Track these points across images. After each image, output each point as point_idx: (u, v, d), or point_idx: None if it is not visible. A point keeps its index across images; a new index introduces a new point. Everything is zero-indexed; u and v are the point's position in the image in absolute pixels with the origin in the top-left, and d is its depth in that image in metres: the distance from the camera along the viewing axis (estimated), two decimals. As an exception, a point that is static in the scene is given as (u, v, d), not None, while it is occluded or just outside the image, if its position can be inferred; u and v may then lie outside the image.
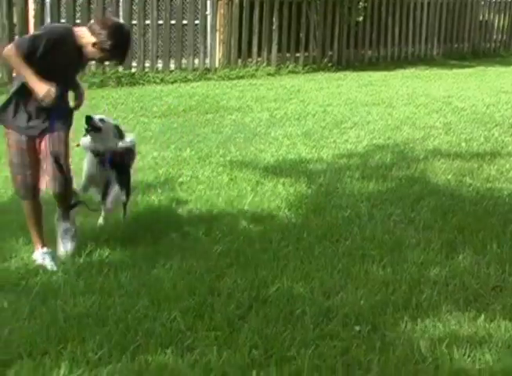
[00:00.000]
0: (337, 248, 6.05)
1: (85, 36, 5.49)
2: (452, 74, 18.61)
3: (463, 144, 10.03)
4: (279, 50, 18.50)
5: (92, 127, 6.12)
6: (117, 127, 6.33)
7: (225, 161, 8.94)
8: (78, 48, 5.52)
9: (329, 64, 19.05)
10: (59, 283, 5.24)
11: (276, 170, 8.50)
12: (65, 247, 5.78)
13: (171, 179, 8.14)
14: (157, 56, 16.81)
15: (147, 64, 16.61)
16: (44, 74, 5.38)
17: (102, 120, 6.22)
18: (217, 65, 17.51)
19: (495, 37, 23.82)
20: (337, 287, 5.24)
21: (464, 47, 22.68)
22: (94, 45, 5.45)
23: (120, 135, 6.32)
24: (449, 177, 8.29)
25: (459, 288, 5.26)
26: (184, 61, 17.16)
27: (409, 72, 19.02)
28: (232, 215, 6.91)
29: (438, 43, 21.89)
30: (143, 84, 15.58)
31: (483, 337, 4.49)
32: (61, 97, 5.61)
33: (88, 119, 6.13)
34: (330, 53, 19.47)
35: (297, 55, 18.90)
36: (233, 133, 10.74)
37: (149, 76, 16.18)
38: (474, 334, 4.52)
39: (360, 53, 20.22)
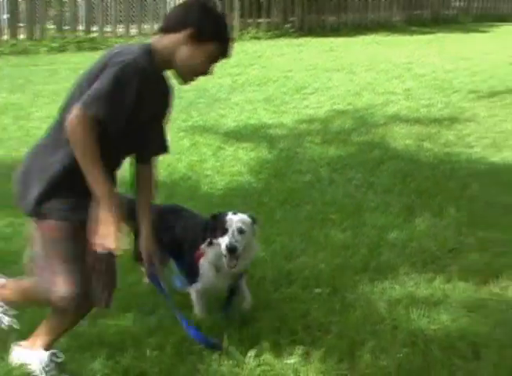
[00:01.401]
0: (298, 213, 6.10)
1: (168, 40, 3.47)
2: (413, 41, 18.68)
3: (423, 110, 10.10)
4: (242, 15, 18.40)
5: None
6: (253, 218, 4.29)
7: (187, 126, 8.92)
8: (162, 78, 3.57)
9: (291, 30, 19.02)
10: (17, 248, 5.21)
11: (237, 135, 8.51)
12: None
13: (131, 145, 8.09)
14: (118, 21, 16.65)
15: (108, 29, 16.45)
16: (122, 144, 3.47)
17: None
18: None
19: (454, 3, 23.92)
20: (297, 250, 5.29)
21: (424, 13, 22.75)
22: (190, 37, 3.43)
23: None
24: (409, 142, 8.35)
25: (417, 251, 5.34)
26: (145, 26, 17.01)
27: (370, 38, 19.04)
28: (194, 179, 6.92)
29: (398, 9, 21.92)
30: (104, 49, 15.41)
31: (439, 298, 4.56)
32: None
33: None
34: (292, 19, 19.41)
35: (260, 21, 18.83)
36: (195, 98, 10.71)
37: (110, 41, 16.02)
38: (431, 295, 4.59)
39: (322, 19, 20.18)
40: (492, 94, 11.15)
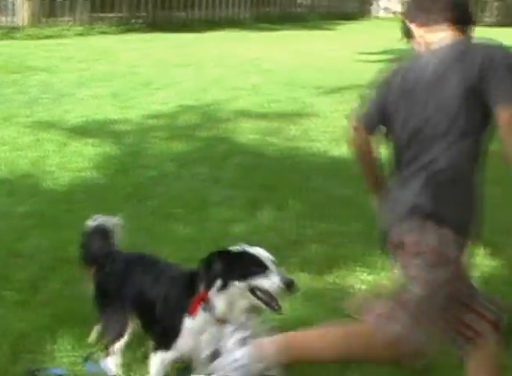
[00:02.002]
0: (142, 208, 6.09)
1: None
2: (261, 37, 18.93)
3: (269, 105, 10.27)
4: (91, 10, 18.15)
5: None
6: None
7: (31, 122, 8.74)
8: None
9: (142, 25, 18.91)
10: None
11: (83, 131, 8.41)
12: None
13: (-28, 141, 7.87)
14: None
15: None
16: None
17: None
18: (23, 23, 16.96)
19: (301, 2, 24.46)
20: (139, 246, 5.26)
21: (272, 11, 23.11)
22: None
23: None
24: (254, 137, 8.49)
25: (260, 243, 5.38)
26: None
27: (220, 34, 19.17)
28: (37, 176, 6.80)
29: (247, 6, 22.19)
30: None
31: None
32: None
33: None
34: (143, 14, 19.31)
35: (109, 15, 18.62)
36: (40, 94, 10.49)
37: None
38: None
39: (172, 15, 20.16)
40: (335, 90, 11.45)
